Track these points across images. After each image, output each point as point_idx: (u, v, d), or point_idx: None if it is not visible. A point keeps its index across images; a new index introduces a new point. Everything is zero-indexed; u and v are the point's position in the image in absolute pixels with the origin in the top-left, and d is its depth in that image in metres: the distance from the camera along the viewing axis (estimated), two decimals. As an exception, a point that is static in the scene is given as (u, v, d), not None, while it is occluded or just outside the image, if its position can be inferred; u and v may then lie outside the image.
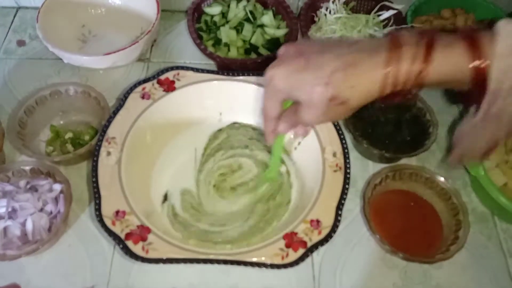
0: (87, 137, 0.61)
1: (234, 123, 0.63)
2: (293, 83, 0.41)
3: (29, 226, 0.50)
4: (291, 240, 0.47)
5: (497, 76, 0.35)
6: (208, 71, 0.60)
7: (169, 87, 0.58)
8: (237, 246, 0.51)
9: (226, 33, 0.68)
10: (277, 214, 0.55)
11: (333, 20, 0.70)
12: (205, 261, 0.46)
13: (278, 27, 0.70)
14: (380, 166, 0.60)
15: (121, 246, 0.46)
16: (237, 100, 0.61)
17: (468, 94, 0.38)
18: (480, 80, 0.36)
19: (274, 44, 0.69)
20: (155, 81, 0.58)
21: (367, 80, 0.38)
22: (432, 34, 0.38)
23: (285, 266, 0.46)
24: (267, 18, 0.69)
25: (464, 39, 0.36)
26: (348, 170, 0.52)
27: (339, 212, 0.49)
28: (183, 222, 0.54)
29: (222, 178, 0.59)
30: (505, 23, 0.35)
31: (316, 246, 0.47)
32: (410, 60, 0.37)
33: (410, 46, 0.37)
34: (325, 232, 0.48)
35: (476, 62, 0.35)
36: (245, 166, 0.60)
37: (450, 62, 0.37)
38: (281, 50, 0.43)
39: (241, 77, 0.59)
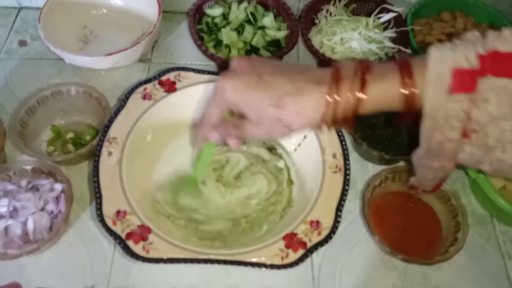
0: (88, 137, 0.61)
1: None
2: (243, 98, 0.43)
3: (30, 225, 0.50)
4: (291, 240, 0.47)
5: (431, 103, 0.37)
6: (209, 72, 0.60)
7: (170, 88, 0.58)
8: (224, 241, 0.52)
9: (227, 35, 0.68)
10: (270, 218, 0.55)
11: (333, 22, 0.71)
12: (205, 261, 0.46)
13: (279, 29, 0.70)
14: (379, 167, 0.60)
15: (121, 245, 0.46)
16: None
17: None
18: (410, 107, 0.38)
19: (275, 46, 0.69)
20: (156, 81, 0.59)
21: (311, 108, 0.41)
22: (368, 64, 0.40)
23: (284, 266, 0.46)
24: (268, 20, 0.70)
25: (399, 67, 0.38)
26: (348, 172, 0.52)
27: (339, 213, 0.49)
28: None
29: (214, 172, 0.59)
30: (435, 49, 0.37)
31: (315, 247, 0.47)
32: (348, 92, 0.39)
33: (348, 78, 0.40)
34: (324, 233, 0.48)
35: (406, 90, 0.38)
36: (234, 159, 0.60)
37: (384, 91, 0.39)
38: (234, 62, 0.45)
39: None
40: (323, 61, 0.67)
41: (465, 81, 0.35)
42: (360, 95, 0.39)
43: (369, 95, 0.39)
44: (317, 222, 0.49)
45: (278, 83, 0.42)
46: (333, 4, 0.72)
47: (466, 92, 0.35)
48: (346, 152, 0.54)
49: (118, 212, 0.48)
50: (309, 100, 0.40)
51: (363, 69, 0.40)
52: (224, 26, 0.69)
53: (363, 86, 0.39)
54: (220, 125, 0.47)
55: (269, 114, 0.42)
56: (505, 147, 0.37)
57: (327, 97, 0.40)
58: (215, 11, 0.70)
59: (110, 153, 0.52)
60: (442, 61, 0.36)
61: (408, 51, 0.67)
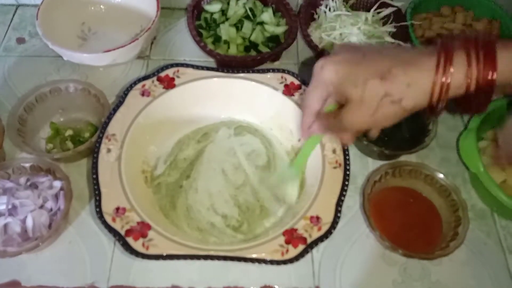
0: (87, 134, 0.61)
1: (233, 120, 0.63)
2: (345, 75, 0.39)
3: (29, 223, 0.50)
4: (291, 236, 0.47)
5: None
6: (208, 68, 0.60)
7: (169, 84, 0.58)
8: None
9: (226, 31, 0.68)
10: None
11: (332, 17, 0.70)
12: (205, 257, 0.46)
13: (277, 25, 0.70)
14: (379, 163, 0.60)
15: (121, 242, 0.46)
16: (237, 97, 0.61)
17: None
18: None
19: (274, 42, 0.69)
20: (155, 78, 0.58)
21: (424, 79, 0.37)
22: (487, 37, 0.36)
23: (285, 262, 0.46)
24: (267, 15, 0.69)
25: None
26: (347, 167, 0.52)
27: (339, 209, 0.49)
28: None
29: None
30: None
31: (316, 242, 0.47)
32: (467, 62, 0.36)
33: (463, 48, 0.36)
34: (325, 228, 0.48)
35: None
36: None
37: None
38: (337, 47, 0.41)
39: (241, 74, 0.59)
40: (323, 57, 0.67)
41: None
42: (488, 65, 0.35)
43: (499, 66, 0.35)
44: (317, 217, 0.48)
45: (383, 58, 0.38)
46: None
47: None
48: (346, 147, 0.54)
49: (117, 209, 0.48)
50: (420, 70, 0.37)
51: (483, 38, 0.36)
52: (223, 22, 0.69)
53: (490, 55, 0.35)
54: (323, 115, 0.44)
55: (376, 89, 0.38)
56: None
57: (437, 69, 0.36)
58: (214, 7, 0.70)
59: (109, 150, 0.52)
60: None
61: (408, 45, 0.66)
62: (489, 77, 0.36)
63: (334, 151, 0.53)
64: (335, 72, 0.40)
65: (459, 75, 0.36)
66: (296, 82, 0.59)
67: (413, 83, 0.37)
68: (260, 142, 0.61)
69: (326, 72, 0.40)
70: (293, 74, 0.60)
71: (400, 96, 0.38)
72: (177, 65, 0.60)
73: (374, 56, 0.39)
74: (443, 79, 0.36)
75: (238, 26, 0.69)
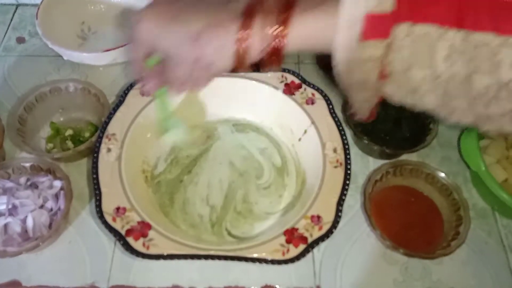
0: (87, 134, 0.61)
1: (233, 118, 0.63)
2: (160, 37, 0.39)
3: (29, 223, 0.50)
4: (291, 236, 0.47)
5: (342, 50, 0.35)
6: (208, 68, 0.59)
7: (169, 83, 0.58)
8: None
9: (226, 30, 0.67)
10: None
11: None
12: (206, 257, 0.46)
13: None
14: (380, 162, 0.60)
15: (121, 242, 0.46)
16: (236, 96, 0.60)
17: None
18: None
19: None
20: (155, 77, 0.58)
21: (229, 43, 0.37)
22: None
23: (285, 261, 0.46)
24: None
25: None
26: (348, 166, 0.52)
27: (340, 208, 0.49)
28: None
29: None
30: None
31: (316, 242, 0.47)
32: (264, 27, 0.36)
33: (266, 12, 0.36)
34: (325, 228, 0.47)
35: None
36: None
37: (314, 25, 0.36)
38: None
39: (241, 73, 0.59)
40: (323, 56, 0.66)
41: (378, 28, 0.33)
42: (280, 30, 0.35)
43: (294, 29, 0.36)
44: (318, 217, 0.48)
45: (197, 16, 0.38)
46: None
47: (380, 38, 0.33)
48: (346, 146, 0.53)
49: (117, 208, 0.48)
50: (227, 33, 0.37)
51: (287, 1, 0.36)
52: (223, 21, 0.68)
53: (284, 21, 0.36)
54: (151, 73, 0.44)
55: (188, 51, 0.38)
56: (424, 95, 0.35)
57: (239, 32, 0.36)
58: (214, 6, 0.70)
59: (109, 150, 0.52)
60: (354, 5, 0.33)
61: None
62: (278, 45, 0.36)
63: (335, 150, 0.53)
64: (150, 30, 0.39)
65: (256, 39, 0.37)
66: (297, 81, 0.59)
67: (220, 47, 0.38)
68: (269, 141, 0.62)
69: (143, 30, 0.40)
70: (293, 73, 0.59)
71: (209, 61, 0.39)
72: (177, 64, 0.59)
73: (187, 13, 0.38)
74: (243, 44, 0.37)
75: (238, 25, 0.69)
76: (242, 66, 0.39)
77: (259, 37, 0.37)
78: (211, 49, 0.38)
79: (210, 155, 0.60)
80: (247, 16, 0.37)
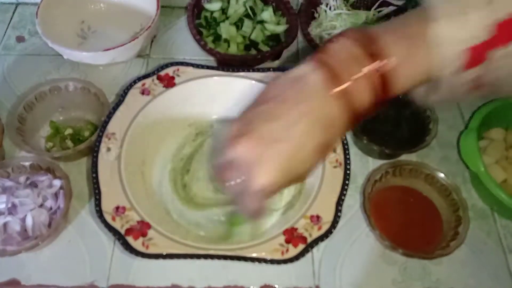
0: (86, 133, 0.61)
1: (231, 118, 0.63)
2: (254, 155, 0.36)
3: (29, 222, 0.50)
4: (291, 235, 0.47)
5: (445, 83, 0.35)
6: (208, 67, 0.59)
7: (169, 83, 0.58)
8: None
9: (226, 29, 0.68)
10: None
11: (333, 16, 0.70)
12: (205, 256, 0.46)
13: (278, 23, 0.70)
14: (380, 162, 0.60)
15: (121, 241, 0.46)
16: (237, 96, 0.60)
17: None
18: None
19: (274, 40, 0.69)
20: (155, 77, 0.58)
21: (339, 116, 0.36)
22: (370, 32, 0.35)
23: (285, 261, 0.46)
24: (267, 14, 0.69)
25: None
26: (348, 166, 0.52)
27: (339, 208, 0.49)
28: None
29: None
30: (442, 23, 0.33)
31: (316, 241, 0.47)
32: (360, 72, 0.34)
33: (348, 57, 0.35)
34: (325, 227, 0.48)
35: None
36: None
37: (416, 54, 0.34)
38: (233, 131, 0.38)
39: (241, 73, 0.59)
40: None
41: (478, 56, 0.33)
42: (383, 63, 0.33)
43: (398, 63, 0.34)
44: (318, 216, 0.48)
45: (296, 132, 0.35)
46: (333, -2, 0.71)
47: (479, 64, 0.33)
48: (346, 146, 0.53)
49: (117, 208, 0.48)
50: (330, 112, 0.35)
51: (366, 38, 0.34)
52: (223, 21, 0.69)
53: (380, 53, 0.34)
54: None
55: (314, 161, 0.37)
56: None
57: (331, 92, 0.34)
58: (214, 6, 0.70)
59: (108, 149, 0.52)
60: (452, 42, 0.32)
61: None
62: (385, 79, 0.35)
63: (334, 150, 0.53)
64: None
65: (360, 85, 0.35)
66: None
67: (334, 128, 0.37)
68: None
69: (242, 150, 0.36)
70: (293, 73, 0.59)
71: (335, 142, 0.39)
72: (177, 63, 0.59)
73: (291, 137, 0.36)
74: (349, 101, 0.35)
75: (238, 24, 0.69)
76: (356, 122, 0.37)
77: (362, 82, 0.34)
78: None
79: (204, 150, 0.60)
80: (333, 81, 0.35)
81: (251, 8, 0.69)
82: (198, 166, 0.59)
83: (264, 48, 0.68)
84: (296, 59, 0.72)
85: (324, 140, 0.36)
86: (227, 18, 0.69)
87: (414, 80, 0.35)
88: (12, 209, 0.50)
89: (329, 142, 0.37)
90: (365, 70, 0.34)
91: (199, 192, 0.57)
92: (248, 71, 0.59)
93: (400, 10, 0.70)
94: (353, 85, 0.34)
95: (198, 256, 0.46)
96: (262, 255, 0.46)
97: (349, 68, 0.34)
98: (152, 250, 0.46)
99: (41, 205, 0.52)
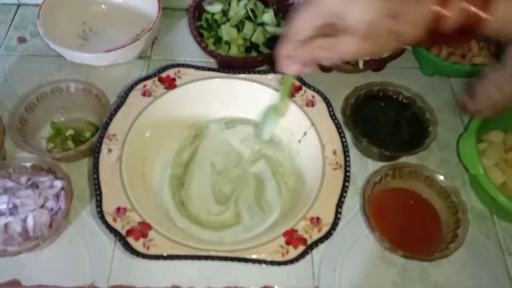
0: (88, 134, 0.61)
1: (234, 120, 0.63)
2: (353, 6, 0.37)
3: (30, 222, 0.50)
4: (291, 237, 0.47)
5: None
6: (209, 69, 0.60)
7: (170, 84, 0.58)
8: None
9: (227, 31, 0.68)
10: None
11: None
12: (206, 257, 0.46)
13: (278, 25, 0.70)
14: (379, 164, 0.60)
15: (122, 242, 0.46)
16: (238, 98, 0.61)
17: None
18: None
19: (274, 43, 0.69)
20: (156, 78, 0.58)
21: (425, 13, 0.37)
22: None
23: (285, 263, 0.46)
24: (268, 16, 0.69)
25: None
26: (348, 168, 0.52)
27: (339, 210, 0.49)
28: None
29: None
30: None
31: (316, 243, 0.47)
32: (463, 2, 0.35)
33: None
34: (325, 229, 0.48)
35: None
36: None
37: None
38: None
39: (241, 75, 0.59)
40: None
41: None
42: (481, 9, 0.35)
43: (496, 13, 0.35)
44: (318, 218, 0.49)
45: None
46: (333, 1, 0.72)
47: None
48: (346, 148, 0.54)
49: (118, 209, 0.48)
50: (422, 7, 0.36)
51: None
52: (224, 23, 0.69)
53: (487, 1, 0.35)
54: (310, 42, 0.40)
55: (381, 25, 0.37)
56: None
57: (435, 7, 0.36)
58: (215, 8, 0.70)
59: (110, 150, 0.52)
60: None
61: (409, 47, 0.67)
62: (476, 23, 0.36)
63: (334, 153, 0.53)
64: (341, 1, 0.37)
65: (453, 14, 0.36)
66: (297, 83, 0.59)
67: (415, 20, 0.37)
68: (254, 128, 0.62)
69: (331, 0, 0.37)
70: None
71: (404, 35, 0.38)
72: (178, 65, 0.60)
73: None
74: (439, 17, 0.36)
75: (239, 26, 0.69)
76: (433, 40, 0.38)
77: (457, 13, 0.36)
78: (408, 23, 0.37)
79: (198, 157, 0.60)
80: None
81: (252, 10, 0.70)
82: (191, 179, 0.58)
83: (265, 50, 0.68)
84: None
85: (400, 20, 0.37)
86: (228, 20, 0.70)
87: (503, 27, 0.37)
88: (13, 210, 0.51)
89: (400, 29, 0.37)
90: (471, 8, 0.35)
91: (198, 213, 0.56)
92: (249, 73, 0.60)
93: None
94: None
95: (199, 257, 0.46)
96: (262, 256, 0.46)
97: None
98: (152, 251, 0.46)
99: (42, 206, 0.52)
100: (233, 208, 0.56)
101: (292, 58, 0.43)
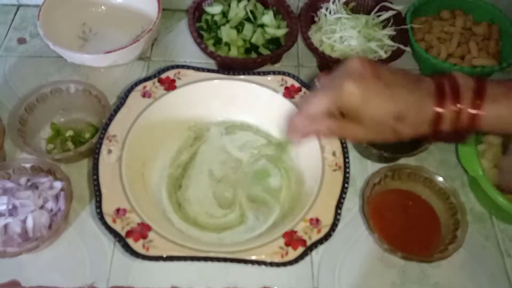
0: (87, 135, 0.61)
1: (234, 122, 0.63)
2: (368, 106, 0.42)
3: (29, 223, 0.50)
4: (290, 238, 0.47)
5: None
6: (209, 70, 0.60)
7: (170, 85, 0.58)
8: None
9: (226, 33, 0.68)
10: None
11: (333, 20, 0.70)
12: (205, 258, 0.46)
13: (278, 27, 0.70)
14: (379, 165, 0.60)
15: (121, 243, 0.46)
16: (237, 99, 0.61)
17: None
18: None
19: (274, 44, 0.69)
20: (156, 79, 0.59)
21: (424, 121, 0.42)
22: (483, 84, 0.41)
23: (284, 264, 0.46)
24: (268, 17, 0.70)
25: None
26: (347, 170, 0.52)
27: (338, 211, 0.49)
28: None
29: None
30: None
31: (315, 244, 0.47)
32: (460, 107, 0.41)
33: (455, 94, 0.41)
34: (324, 230, 0.48)
35: None
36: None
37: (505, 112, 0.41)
38: (356, 64, 0.43)
39: (241, 76, 0.60)
40: (323, 59, 0.67)
41: None
42: (475, 111, 0.40)
43: (486, 113, 0.41)
44: (317, 219, 0.49)
45: (402, 95, 0.42)
46: (333, 2, 0.72)
47: None
48: (345, 150, 0.54)
49: (118, 210, 0.48)
50: (425, 114, 0.42)
51: (479, 85, 0.41)
52: (224, 24, 0.69)
53: (479, 106, 0.40)
54: (319, 120, 0.45)
55: (388, 124, 0.43)
56: None
57: (437, 109, 0.41)
58: (215, 9, 0.70)
59: (109, 151, 0.52)
60: None
61: (408, 49, 0.67)
62: (470, 125, 0.41)
63: (334, 154, 0.53)
64: (361, 100, 0.42)
65: (449, 118, 0.42)
66: (297, 84, 0.59)
67: (419, 125, 0.43)
68: (253, 134, 0.62)
69: (352, 97, 0.42)
70: (293, 77, 0.60)
71: (404, 134, 0.44)
72: (178, 66, 0.60)
73: (393, 91, 0.42)
74: (438, 121, 0.42)
75: (239, 28, 0.69)
76: (432, 137, 0.44)
77: (452, 116, 0.41)
78: (409, 126, 0.43)
79: (197, 161, 0.60)
80: (440, 96, 0.41)
81: (251, 11, 0.70)
82: (188, 182, 0.58)
83: (265, 51, 0.68)
84: (296, 63, 0.72)
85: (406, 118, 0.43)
86: (227, 21, 0.70)
87: (494, 126, 0.42)
88: (12, 211, 0.51)
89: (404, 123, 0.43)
90: (466, 113, 0.41)
91: (197, 215, 0.56)
92: (249, 74, 0.60)
93: (399, 15, 0.70)
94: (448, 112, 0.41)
95: (198, 258, 0.46)
96: (262, 257, 0.46)
97: (455, 102, 0.41)
98: (152, 252, 0.46)
99: (41, 207, 0.52)
100: (239, 209, 0.56)
101: (298, 129, 0.48)
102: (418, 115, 0.42)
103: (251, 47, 0.69)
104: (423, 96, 0.42)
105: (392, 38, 0.69)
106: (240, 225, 0.55)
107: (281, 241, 0.47)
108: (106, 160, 0.52)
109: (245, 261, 0.46)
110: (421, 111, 0.42)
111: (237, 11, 0.70)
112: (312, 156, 0.55)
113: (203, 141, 0.61)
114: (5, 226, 0.50)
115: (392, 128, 0.43)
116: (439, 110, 0.41)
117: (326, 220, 0.49)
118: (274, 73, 0.60)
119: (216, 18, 0.70)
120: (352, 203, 0.58)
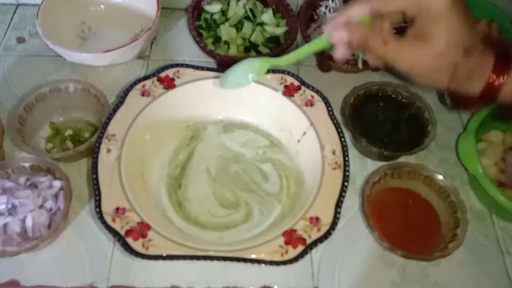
0: (87, 134, 0.61)
1: (233, 120, 0.63)
2: (456, 11, 0.38)
3: (29, 222, 0.50)
4: (290, 237, 0.47)
5: None
6: (208, 69, 0.60)
7: (169, 84, 0.58)
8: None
9: (226, 31, 0.68)
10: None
11: (332, 18, 0.70)
12: (205, 257, 0.46)
13: (277, 25, 0.70)
14: (379, 164, 0.60)
15: (121, 242, 0.46)
16: (237, 98, 0.61)
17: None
18: None
19: (274, 42, 0.69)
20: (155, 78, 0.58)
21: (485, 74, 0.40)
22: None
23: (284, 263, 0.46)
24: (267, 16, 0.69)
25: None
26: (347, 168, 0.52)
27: (338, 210, 0.49)
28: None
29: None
30: None
31: (315, 243, 0.47)
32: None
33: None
34: (324, 229, 0.48)
35: None
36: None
37: None
38: None
39: (240, 75, 0.59)
40: (322, 58, 0.67)
41: None
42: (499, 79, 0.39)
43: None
44: (317, 218, 0.49)
45: (475, 33, 0.39)
46: (332, 0, 0.72)
47: None
48: (345, 148, 0.54)
49: (117, 209, 0.48)
50: (486, 63, 0.40)
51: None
52: (223, 23, 0.69)
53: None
54: (358, 29, 0.41)
55: (455, 55, 0.38)
56: None
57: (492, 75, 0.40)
58: (214, 8, 0.70)
59: (109, 150, 0.52)
60: None
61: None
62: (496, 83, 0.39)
63: (333, 152, 0.53)
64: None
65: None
66: (296, 83, 0.59)
67: (474, 72, 0.40)
68: (253, 133, 0.62)
69: None
70: (293, 75, 0.60)
71: (462, 73, 0.39)
72: (177, 65, 0.60)
73: (471, 22, 0.40)
74: (497, 80, 0.40)
75: (238, 26, 0.69)
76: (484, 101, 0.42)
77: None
78: (468, 65, 0.39)
79: (194, 160, 0.60)
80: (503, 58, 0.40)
81: (251, 10, 0.70)
82: (188, 182, 0.58)
83: (264, 49, 0.68)
84: (296, 61, 0.72)
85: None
86: (227, 20, 0.70)
87: None
88: (12, 210, 0.50)
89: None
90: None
91: (198, 214, 0.56)
92: (248, 73, 0.59)
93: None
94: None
95: (198, 257, 0.46)
96: (262, 256, 0.46)
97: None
98: (152, 251, 0.46)
99: (41, 206, 0.52)
100: (245, 208, 0.56)
101: (343, 29, 0.42)
102: (479, 61, 0.39)
103: (251, 46, 0.69)
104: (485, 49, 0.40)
105: (392, 36, 0.69)
106: (244, 223, 0.55)
107: (281, 240, 0.47)
108: (106, 159, 0.51)
109: (245, 260, 0.46)
110: (483, 62, 0.39)
111: (236, 10, 0.70)
112: (311, 155, 0.55)
113: (199, 140, 0.61)
114: (5, 226, 0.50)
115: (455, 63, 0.38)
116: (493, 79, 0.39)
117: (326, 219, 0.48)
118: (273, 71, 0.60)
119: (215, 16, 0.70)
120: (352, 202, 0.58)
